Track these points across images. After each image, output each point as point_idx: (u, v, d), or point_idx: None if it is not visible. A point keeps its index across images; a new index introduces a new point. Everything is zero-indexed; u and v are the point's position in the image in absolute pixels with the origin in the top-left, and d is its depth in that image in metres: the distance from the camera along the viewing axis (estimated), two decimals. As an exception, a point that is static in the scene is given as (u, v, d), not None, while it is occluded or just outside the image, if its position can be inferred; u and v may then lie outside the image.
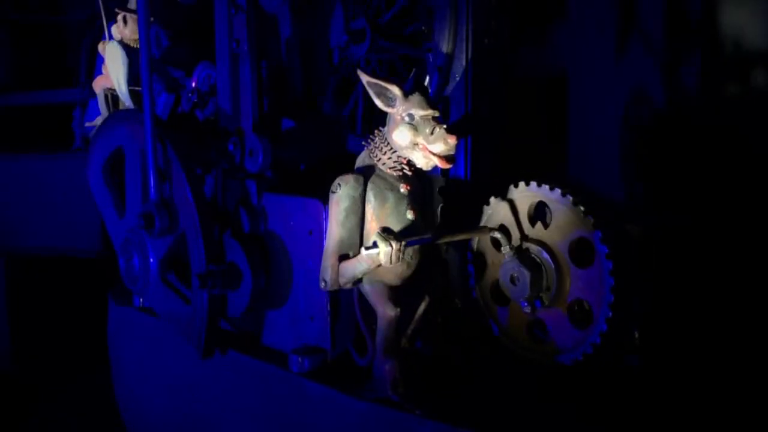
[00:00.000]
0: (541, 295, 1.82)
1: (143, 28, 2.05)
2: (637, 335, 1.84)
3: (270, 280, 2.18)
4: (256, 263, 2.15)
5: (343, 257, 1.81)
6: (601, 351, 1.75)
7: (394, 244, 1.68)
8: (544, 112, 2.55)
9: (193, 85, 2.44)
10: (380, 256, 1.69)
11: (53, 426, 3.57)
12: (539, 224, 1.85)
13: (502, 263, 1.85)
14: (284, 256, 2.14)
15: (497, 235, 1.84)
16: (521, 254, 1.83)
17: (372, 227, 1.81)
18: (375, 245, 1.70)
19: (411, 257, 1.82)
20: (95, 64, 3.00)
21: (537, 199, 1.84)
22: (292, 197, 2.12)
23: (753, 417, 1.72)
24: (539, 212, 1.87)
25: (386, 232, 1.74)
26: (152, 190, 2.12)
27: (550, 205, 1.82)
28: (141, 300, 2.67)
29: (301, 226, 2.07)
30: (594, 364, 1.79)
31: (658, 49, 2.26)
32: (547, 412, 1.77)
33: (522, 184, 1.86)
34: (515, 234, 1.88)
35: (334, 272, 1.81)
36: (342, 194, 1.78)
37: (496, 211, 1.92)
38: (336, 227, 1.80)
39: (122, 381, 2.85)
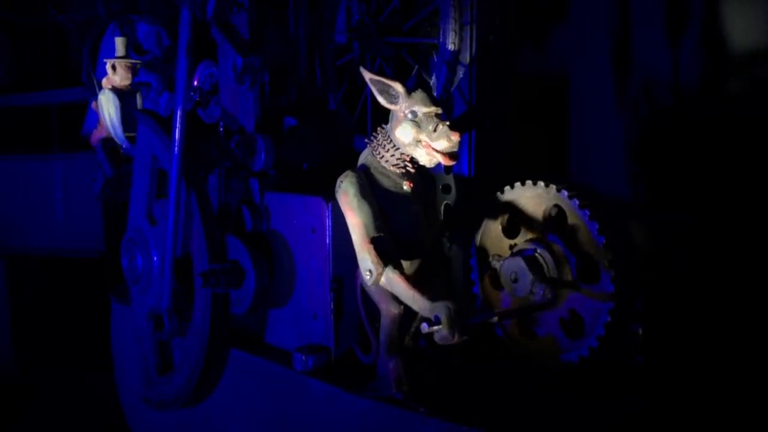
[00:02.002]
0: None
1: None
2: (640, 333, 1.84)
3: (273, 279, 2.18)
4: (259, 262, 2.15)
5: (376, 240, 1.72)
6: (599, 353, 1.75)
7: (457, 336, 1.56)
8: (547, 109, 2.55)
9: (195, 83, 2.44)
10: (435, 336, 1.58)
11: (53, 426, 3.57)
12: (549, 228, 1.84)
13: (503, 261, 1.85)
14: (287, 255, 2.14)
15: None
16: (523, 252, 1.83)
17: (375, 224, 1.80)
18: (437, 321, 1.58)
19: (414, 254, 1.82)
20: (96, 65, 3.00)
21: (553, 202, 1.83)
22: (294, 195, 2.12)
23: (754, 415, 1.72)
24: (556, 215, 1.86)
25: (457, 314, 1.57)
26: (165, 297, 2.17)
27: (567, 212, 1.80)
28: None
29: (303, 224, 2.07)
30: (595, 364, 1.79)
31: (659, 47, 2.26)
32: (548, 410, 1.77)
33: (541, 183, 1.84)
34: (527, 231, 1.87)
35: (373, 256, 1.69)
36: (346, 185, 1.77)
37: (509, 204, 1.91)
38: (354, 216, 1.75)
39: (125, 380, 2.85)
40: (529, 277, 1.77)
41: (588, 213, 1.73)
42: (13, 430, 3.61)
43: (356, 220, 1.75)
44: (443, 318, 1.57)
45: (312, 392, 2.01)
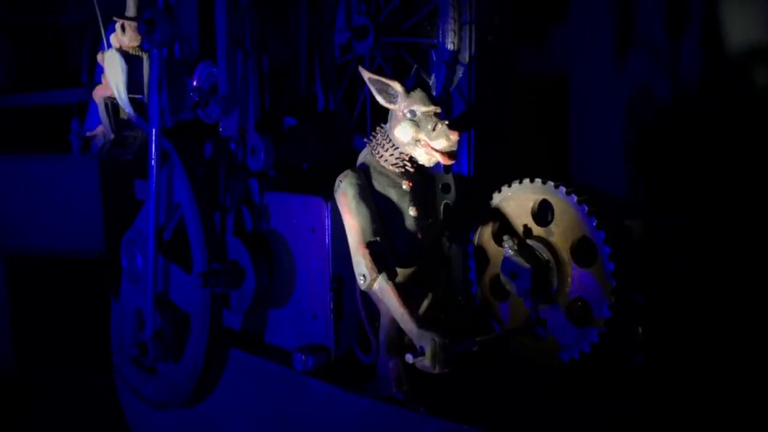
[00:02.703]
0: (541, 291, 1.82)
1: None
2: (640, 332, 1.83)
3: (273, 279, 2.18)
4: (259, 262, 2.15)
5: (372, 244, 1.71)
6: (600, 349, 1.75)
7: (438, 368, 1.57)
8: (546, 109, 2.55)
9: (195, 83, 2.43)
10: (417, 364, 1.59)
11: (53, 426, 3.56)
12: (542, 222, 1.85)
13: (502, 259, 1.85)
14: (287, 255, 2.14)
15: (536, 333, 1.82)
16: (523, 250, 1.83)
17: (375, 224, 1.80)
18: (422, 351, 1.58)
19: (414, 254, 1.82)
20: (95, 66, 3.00)
21: (541, 197, 1.84)
22: (294, 195, 2.12)
23: (754, 415, 1.72)
24: (543, 210, 1.87)
25: (442, 348, 1.57)
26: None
27: (554, 203, 1.82)
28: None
29: (303, 224, 2.07)
30: (595, 363, 1.79)
31: (659, 47, 2.26)
32: (548, 410, 1.76)
33: (526, 180, 1.86)
34: (519, 230, 1.88)
35: (368, 261, 1.69)
36: (345, 185, 1.77)
37: (502, 206, 1.92)
38: (351, 218, 1.75)
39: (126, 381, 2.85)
40: (529, 275, 1.77)
41: (575, 197, 1.75)
42: (13, 430, 3.61)
43: (353, 222, 1.74)
44: (428, 350, 1.57)
45: (312, 392, 2.01)
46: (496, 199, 1.92)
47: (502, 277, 1.85)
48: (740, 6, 2.24)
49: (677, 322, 1.96)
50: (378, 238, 1.72)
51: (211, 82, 2.41)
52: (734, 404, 1.74)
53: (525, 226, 1.87)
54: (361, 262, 1.71)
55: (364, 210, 1.74)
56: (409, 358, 1.59)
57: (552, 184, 1.80)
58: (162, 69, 2.15)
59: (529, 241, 1.85)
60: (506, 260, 1.83)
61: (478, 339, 1.69)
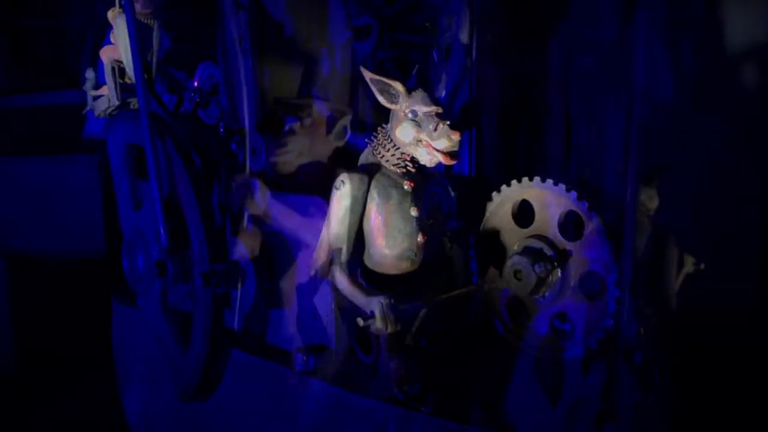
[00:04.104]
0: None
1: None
2: (641, 332, 1.84)
3: (274, 279, 2.18)
4: (260, 262, 2.15)
5: (336, 251, 1.82)
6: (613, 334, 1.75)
7: (390, 327, 1.70)
8: (547, 109, 2.55)
9: (196, 84, 2.44)
10: (371, 327, 1.72)
11: (53, 426, 3.56)
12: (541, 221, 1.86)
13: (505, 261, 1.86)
14: (288, 255, 2.14)
15: (486, 289, 1.90)
16: (522, 250, 1.84)
17: (376, 224, 1.81)
18: (372, 314, 1.71)
19: (415, 254, 1.82)
20: (97, 67, 3.00)
21: (524, 196, 1.86)
22: (295, 196, 2.13)
23: (753, 415, 1.72)
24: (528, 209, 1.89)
25: (389, 308, 1.70)
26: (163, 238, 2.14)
27: (540, 198, 1.84)
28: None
29: (304, 224, 2.07)
30: (596, 362, 1.79)
31: (660, 47, 2.26)
32: (548, 410, 1.77)
33: (525, 179, 1.86)
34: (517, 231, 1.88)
35: (325, 265, 1.84)
36: (345, 192, 1.78)
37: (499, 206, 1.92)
38: (334, 223, 1.81)
39: (127, 381, 2.85)
40: (533, 275, 1.78)
41: (564, 186, 1.78)
42: (12, 430, 3.61)
43: (333, 227, 1.81)
44: (377, 312, 1.69)
45: (313, 392, 2.01)
46: (497, 198, 1.93)
47: (506, 279, 1.86)
48: (740, 6, 2.24)
49: (678, 322, 1.96)
50: (344, 248, 1.82)
51: (212, 82, 2.41)
52: (733, 404, 1.75)
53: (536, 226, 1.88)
54: (319, 261, 1.85)
55: (347, 222, 1.81)
56: (359, 321, 1.72)
57: (537, 178, 1.84)
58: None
59: (528, 242, 1.85)
60: (507, 261, 1.84)
61: (426, 299, 1.82)
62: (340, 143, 1.74)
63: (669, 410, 1.82)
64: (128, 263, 2.35)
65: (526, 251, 1.84)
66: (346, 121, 1.71)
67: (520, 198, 1.90)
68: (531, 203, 1.88)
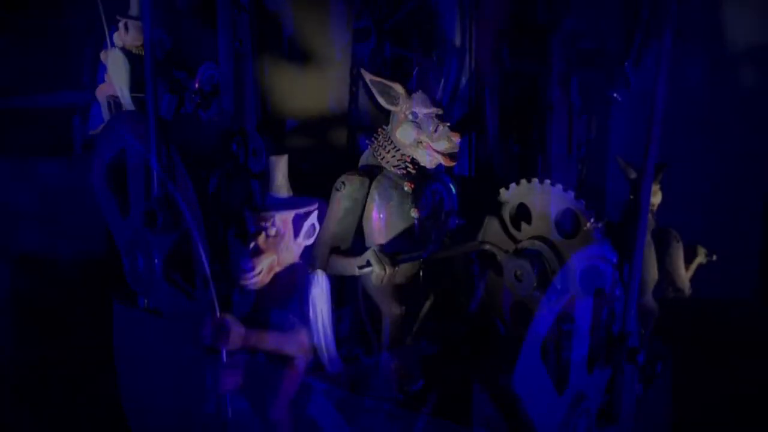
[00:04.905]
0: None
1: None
2: (643, 332, 1.84)
3: (274, 279, 2.18)
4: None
5: (334, 249, 1.84)
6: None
7: (387, 269, 1.72)
8: (547, 109, 2.55)
9: (197, 85, 2.44)
10: (372, 276, 1.74)
11: (53, 426, 3.57)
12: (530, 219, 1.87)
13: (504, 264, 1.86)
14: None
15: (488, 247, 1.86)
16: (519, 251, 1.84)
17: (376, 225, 1.81)
18: (368, 264, 1.73)
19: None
20: (98, 67, 3.00)
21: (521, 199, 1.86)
22: (296, 197, 2.12)
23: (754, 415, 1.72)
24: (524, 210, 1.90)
25: (382, 252, 1.75)
26: (155, 187, 2.11)
27: (535, 199, 1.85)
28: (145, 301, 2.67)
29: (305, 225, 2.07)
30: (596, 362, 1.79)
31: (660, 47, 2.27)
32: (551, 409, 1.77)
33: (524, 181, 1.86)
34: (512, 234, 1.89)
35: (322, 263, 1.85)
36: (345, 194, 1.79)
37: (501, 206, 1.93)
38: (333, 223, 1.83)
39: (127, 382, 2.85)
40: (533, 276, 1.78)
41: (561, 186, 1.80)
42: (13, 430, 3.61)
43: (332, 227, 1.84)
44: (372, 260, 1.72)
45: (312, 392, 2.01)
46: (508, 194, 1.93)
47: (507, 280, 1.86)
48: (740, 6, 2.24)
49: (678, 322, 1.96)
50: (341, 247, 1.84)
51: (213, 83, 2.41)
52: (733, 404, 1.75)
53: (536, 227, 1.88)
54: (317, 259, 1.87)
55: (346, 223, 1.84)
56: (357, 270, 1.76)
57: (536, 180, 1.85)
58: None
59: (528, 242, 1.86)
60: (508, 262, 1.84)
61: (421, 252, 1.84)
62: (310, 241, 1.78)
63: (669, 402, 1.82)
64: (129, 263, 2.36)
65: (526, 252, 1.84)
66: (313, 218, 1.75)
67: (518, 201, 1.90)
68: (528, 206, 1.89)
